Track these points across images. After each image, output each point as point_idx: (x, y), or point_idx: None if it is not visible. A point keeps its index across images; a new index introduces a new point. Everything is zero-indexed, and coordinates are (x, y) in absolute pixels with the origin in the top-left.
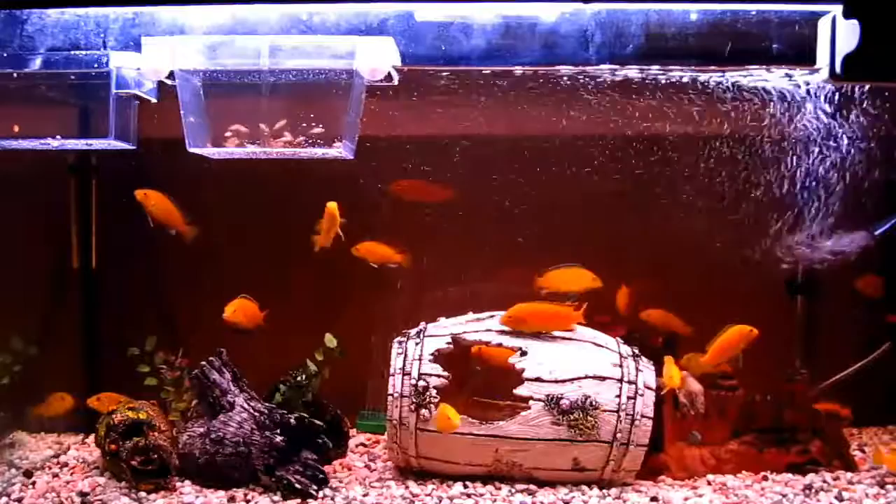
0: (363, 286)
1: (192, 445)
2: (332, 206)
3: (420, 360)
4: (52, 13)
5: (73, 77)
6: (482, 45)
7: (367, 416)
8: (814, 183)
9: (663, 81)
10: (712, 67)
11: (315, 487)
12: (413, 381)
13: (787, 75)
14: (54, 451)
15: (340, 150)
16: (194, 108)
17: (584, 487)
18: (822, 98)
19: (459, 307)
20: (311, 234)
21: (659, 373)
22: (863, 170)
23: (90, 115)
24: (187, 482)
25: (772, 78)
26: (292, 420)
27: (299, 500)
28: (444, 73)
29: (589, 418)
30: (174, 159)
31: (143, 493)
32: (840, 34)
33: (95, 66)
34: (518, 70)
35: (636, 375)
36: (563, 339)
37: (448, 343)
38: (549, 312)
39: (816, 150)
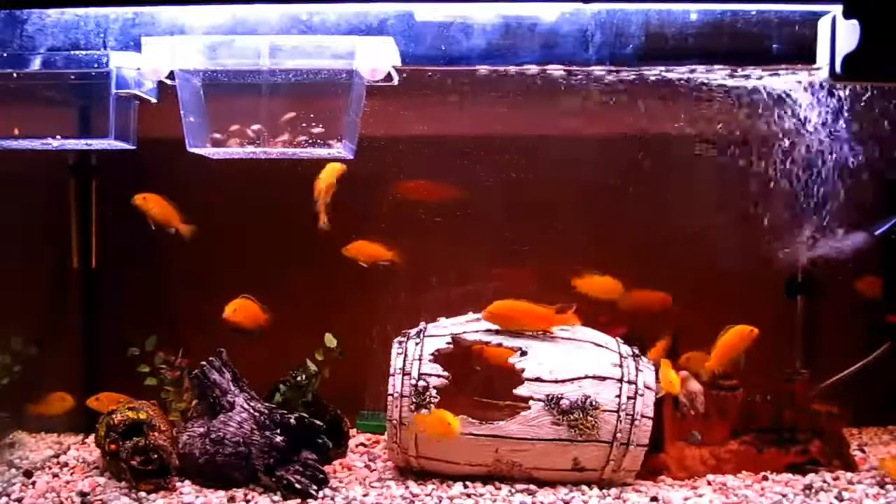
0: (363, 286)
1: (192, 445)
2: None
3: (420, 360)
4: (52, 13)
5: (73, 77)
6: (482, 44)
7: (367, 416)
8: (814, 183)
9: (664, 80)
10: (712, 68)
11: (315, 487)
12: (413, 381)
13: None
14: (54, 451)
15: (340, 150)
16: (194, 108)
17: (584, 487)
18: (831, 97)
19: (459, 307)
20: (313, 221)
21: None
22: (864, 170)
23: (90, 115)
24: (187, 482)
25: (772, 78)
26: (292, 420)
27: (299, 500)
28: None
29: (589, 418)
30: (174, 159)
31: (143, 493)
32: (840, 34)
33: (95, 66)
34: (517, 70)
35: (636, 375)
36: (564, 339)
37: (448, 343)
38: (529, 312)
39: (817, 149)
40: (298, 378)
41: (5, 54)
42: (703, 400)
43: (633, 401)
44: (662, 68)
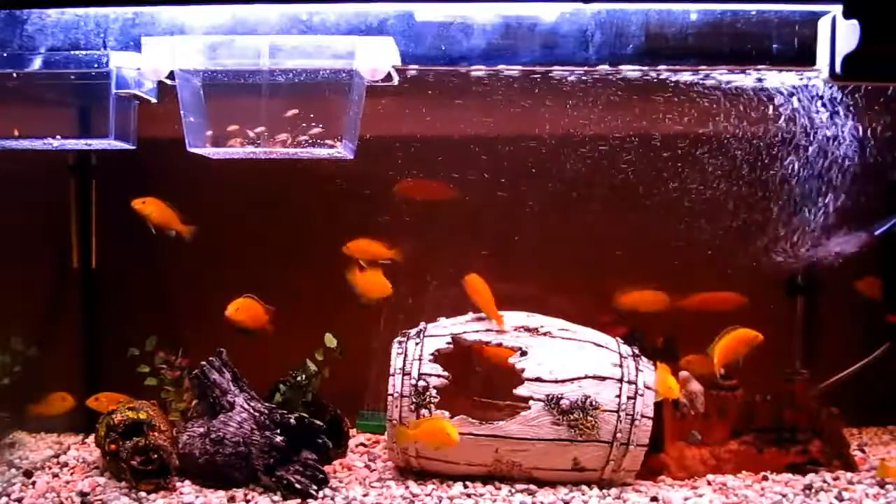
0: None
1: (192, 445)
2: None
3: (420, 360)
4: (52, 13)
5: (73, 77)
6: (482, 45)
7: (367, 416)
8: (814, 182)
9: (667, 81)
10: (710, 67)
11: (315, 487)
12: (413, 381)
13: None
14: (54, 451)
15: (340, 150)
16: (194, 108)
17: (584, 487)
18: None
19: (459, 307)
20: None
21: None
22: (864, 170)
23: (90, 115)
24: (187, 482)
25: (772, 77)
26: (292, 420)
27: (299, 500)
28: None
29: (589, 418)
30: (174, 159)
31: (143, 493)
32: (840, 34)
33: (95, 66)
34: (518, 70)
35: (636, 375)
36: (564, 338)
37: (448, 343)
38: (488, 302)
39: (818, 149)
40: (298, 378)
41: (5, 54)
42: (703, 400)
43: (633, 401)
44: (664, 67)
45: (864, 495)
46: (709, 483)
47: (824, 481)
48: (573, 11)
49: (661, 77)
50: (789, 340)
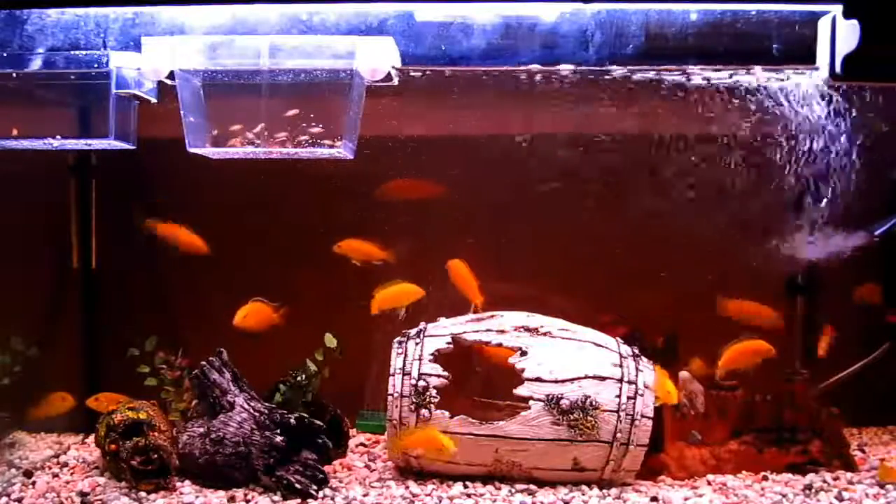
0: (363, 286)
1: (192, 445)
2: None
3: (420, 360)
4: (52, 13)
5: (73, 77)
6: (482, 44)
7: (367, 416)
8: (814, 182)
9: (664, 81)
10: (711, 67)
11: (315, 487)
12: (413, 381)
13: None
14: (54, 451)
15: (340, 150)
16: (194, 108)
17: (584, 487)
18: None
19: (459, 307)
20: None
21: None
22: (865, 169)
23: (90, 115)
24: (187, 482)
25: (770, 77)
26: (292, 420)
27: (299, 500)
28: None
29: (589, 418)
30: (174, 159)
31: (143, 493)
32: (840, 34)
33: (95, 66)
34: (517, 70)
35: (636, 375)
36: (564, 338)
37: (448, 343)
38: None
39: (818, 148)
40: (298, 378)
41: (5, 54)
42: (703, 400)
43: (633, 401)
44: (664, 67)
45: (864, 495)
46: (709, 483)
47: (824, 481)
48: (573, 11)
49: (661, 77)
50: (789, 340)
